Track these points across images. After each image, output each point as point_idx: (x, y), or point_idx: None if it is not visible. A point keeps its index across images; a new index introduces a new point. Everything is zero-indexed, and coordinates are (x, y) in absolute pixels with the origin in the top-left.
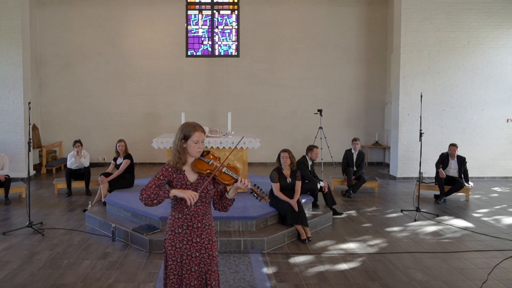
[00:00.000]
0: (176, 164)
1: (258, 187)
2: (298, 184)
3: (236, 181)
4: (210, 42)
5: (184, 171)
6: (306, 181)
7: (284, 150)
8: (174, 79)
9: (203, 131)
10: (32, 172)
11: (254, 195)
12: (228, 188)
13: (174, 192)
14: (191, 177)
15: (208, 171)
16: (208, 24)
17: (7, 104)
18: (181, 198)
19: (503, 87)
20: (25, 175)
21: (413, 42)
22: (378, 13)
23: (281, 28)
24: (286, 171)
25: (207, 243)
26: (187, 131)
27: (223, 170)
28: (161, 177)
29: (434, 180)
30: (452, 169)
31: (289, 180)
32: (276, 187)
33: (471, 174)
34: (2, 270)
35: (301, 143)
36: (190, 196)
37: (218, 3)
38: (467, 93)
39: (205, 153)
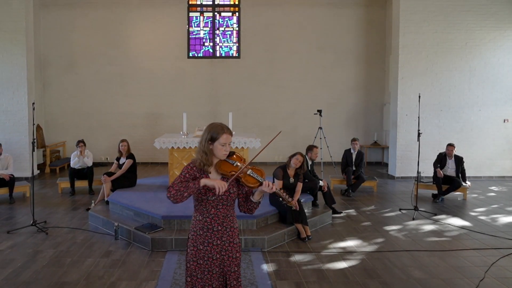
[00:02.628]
0: (202, 165)
1: (283, 191)
2: (299, 185)
3: (261, 184)
4: (211, 44)
5: (210, 172)
6: (306, 180)
7: (301, 154)
8: (176, 80)
9: (231, 133)
10: (36, 172)
11: (280, 199)
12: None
13: (204, 181)
14: (215, 178)
15: (233, 172)
16: (209, 26)
17: (12, 105)
18: (209, 188)
19: (500, 88)
20: (29, 174)
21: (411, 43)
22: (376, 15)
23: (281, 29)
24: (291, 171)
25: (227, 245)
26: (215, 133)
27: (248, 173)
28: (187, 175)
29: (432, 180)
30: (450, 169)
31: (291, 180)
32: (279, 184)
33: (468, 173)
34: (7, 268)
35: (301, 143)
36: (220, 185)
37: (219, 5)
38: (465, 94)
39: (230, 154)
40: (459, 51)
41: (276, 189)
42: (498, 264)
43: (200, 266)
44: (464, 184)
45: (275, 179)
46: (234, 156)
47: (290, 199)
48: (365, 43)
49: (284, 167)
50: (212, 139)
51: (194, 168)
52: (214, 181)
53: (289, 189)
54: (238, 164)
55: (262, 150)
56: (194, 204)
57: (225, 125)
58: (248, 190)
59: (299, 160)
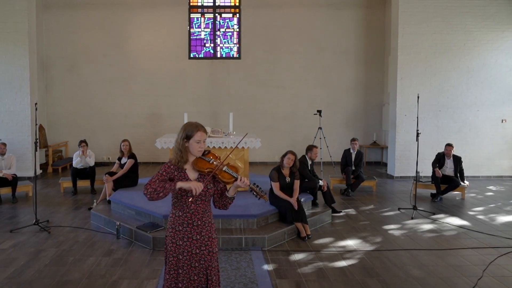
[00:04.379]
0: (177, 162)
1: (257, 186)
2: (297, 183)
3: (236, 179)
4: (212, 45)
5: (186, 169)
6: (306, 180)
7: (292, 153)
8: (177, 81)
9: (205, 131)
10: (39, 171)
11: (253, 193)
12: (228, 186)
13: (180, 184)
14: (192, 175)
15: (209, 169)
16: (210, 27)
17: (14, 105)
18: (185, 190)
19: (497, 89)
20: (31, 174)
21: (410, 44)
22: (376, 16)
23: (281, 30)
24: (286, 171)
25: (207, 240)
26: (189, 131)
27: (224, 169)
28: (164, 173)
29: (430, 179)
30: (448, 169)
31: (288, 179)
32: (276, 186)
33: (466, 173)
34: (10, 267)
35: (301, 143)
36: (196, 186)
37: (220, 7)
38: (463, 94)
39: (206, 152)
40: (457, 52)
41: (249, 184)
42: (496, 262)
43: (180, 261)
44: (462, 183)
45: (271, 182)
46: (210, 154)
47: (263, 194)
48: (365, 44)
49: (278, 168)
50: (188, 137)
51: (172, 167)
52: (190, 183)
53: (288, 188)
54: (214, 161)
55: (232, 151)
56: (173, 201)
57: (199, 124)
58: (223, 186)
59: (291, 159)
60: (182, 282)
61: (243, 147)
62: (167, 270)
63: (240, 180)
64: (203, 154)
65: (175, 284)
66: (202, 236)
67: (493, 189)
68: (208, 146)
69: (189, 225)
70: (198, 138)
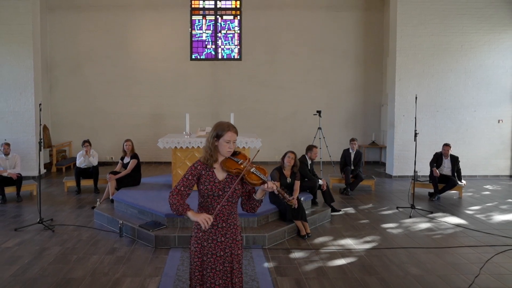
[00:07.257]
0: (207, 160)
1: (285, 190)
2: (297, 183)
3: (263, 182)
4: (213, 46)
5: (214, 168)
6: (306, 179)
7: (292, 152)
8: (178, 82)
9: (236, 132)
10: (43, 171)
11: (281, 197)
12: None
13: (189, 214)
14: (220, 175)
15: (237, 170)
16: (211, 29)
17: (19, 106)
18: (194, 221)
19: (494, 89)
20: (36, 173)
21: (408, 46)
22: (375, 18)
23: (281, 32)
24: (287, 171)
25: (231, 242)
26: (220, 130)
27: (252, 170)
28: (190, 177)
29: (428, 179)
30: (446, 168)
31: (289, 180)
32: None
33: (463, 172)
34: (14, 265)
35: (301, 143)
36: (204, 219)
37: (221, 9)
38: (460, 95)
39: (237, 153)
40: (454, 54)
41: (277, 187)
42: (492, 260)
43: (204, 262)
44: (459, 183)
45: (272, 180)
46: (240, 155)
47: (291, 198)
48: (364, 45)
49: (279, 168)
50: (218, 136)
51: (199, 167)
52: (199, 216)
53: (288, 189)
54: (243, 162)
55: (258, 152)
56: (200, 200)
57: (231, 124)
58: (251, 188)
59: (291, 157)
60: (206, 283)
61: (243, 147)
62: (192, 270)
63: (267, 184)
64: (234, 155)
65: (200, 285)
66: (226, 238)
67: (489, 188)
68: (238, 147)
69: (213, 226)
70: (228, 138)
